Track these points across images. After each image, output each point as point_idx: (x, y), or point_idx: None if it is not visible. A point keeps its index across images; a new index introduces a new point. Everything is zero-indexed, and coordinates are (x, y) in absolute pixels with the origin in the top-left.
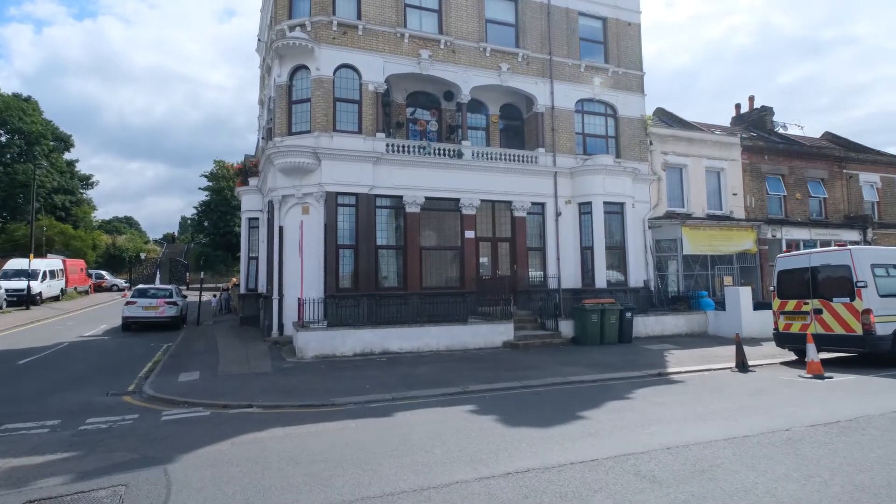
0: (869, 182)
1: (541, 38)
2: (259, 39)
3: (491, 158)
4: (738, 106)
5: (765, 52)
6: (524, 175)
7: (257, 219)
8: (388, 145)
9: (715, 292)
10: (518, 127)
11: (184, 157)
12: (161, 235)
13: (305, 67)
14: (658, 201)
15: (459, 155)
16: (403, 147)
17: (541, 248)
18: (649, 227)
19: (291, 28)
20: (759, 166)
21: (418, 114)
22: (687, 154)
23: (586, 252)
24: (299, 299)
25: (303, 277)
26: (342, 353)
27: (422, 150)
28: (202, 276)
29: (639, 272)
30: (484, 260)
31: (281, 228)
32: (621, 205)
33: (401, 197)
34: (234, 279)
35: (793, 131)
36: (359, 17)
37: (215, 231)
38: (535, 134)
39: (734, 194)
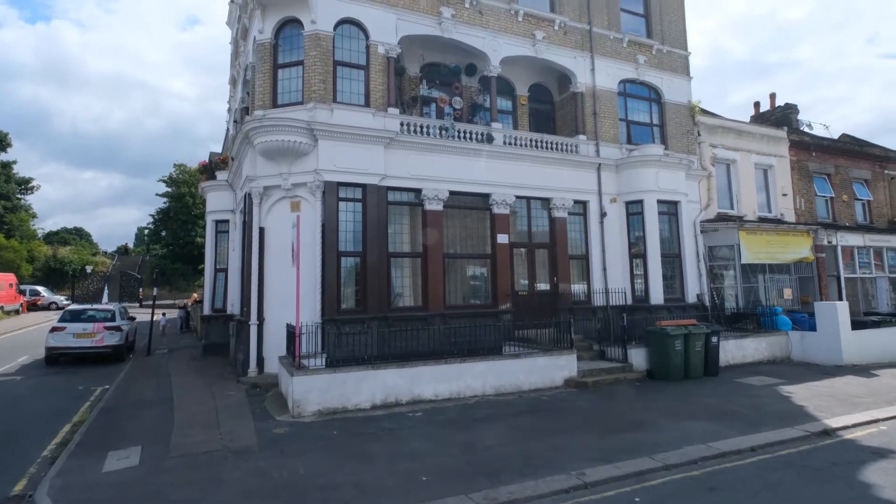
0: None
1: (578, 4)
2: (231, 1)
3: (526, 145)
4: (756, 104)
5: (717, 72)
6: (564, 167)
7: (227, 221)
8: (402, 124)
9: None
10: (547, 112)
11: (141, 167)
12: (114, 248)
13: (296, 21)
14: (709, 201)
15: (490, 139)
16: (422, 127)
17: (583, 256)
18: (701, 232)
19: None
20: (806, 164)
21: (436, 91)
22: (735, 148)
23: (636, 261)
24: (290, 326)
25: (298, 295)
26: (357, 406)
27: (444, 131)
28: (155, 292)
29: (694, 285)
30: (519, 270)
31: (261, 231)
32: (675, 204)
33: (419, 190)
34: (195, 295)
35: (818, 131)
36: None
37: (174, 241)
38: (571, 119)
39: (784, 195)
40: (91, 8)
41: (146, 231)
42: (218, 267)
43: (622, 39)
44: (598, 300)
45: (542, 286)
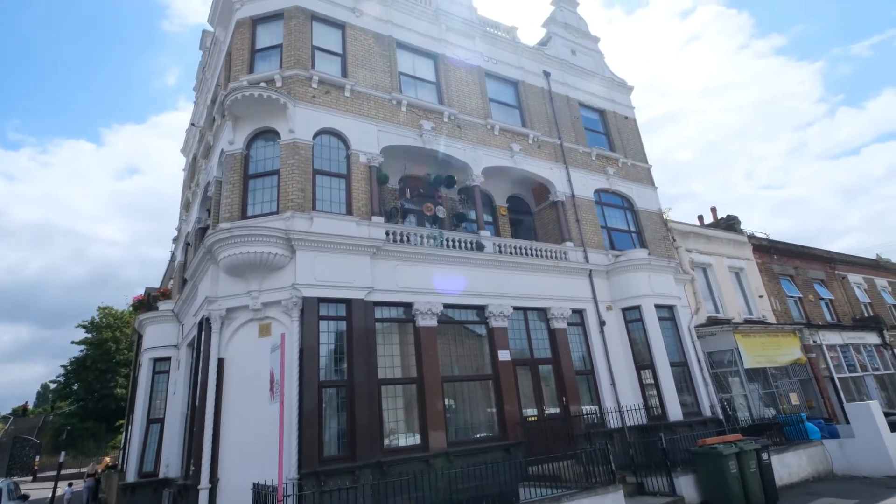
0: (856, 283)
1: (547, 122)
2: (192, 124)
3: (516, 252)
4: (700, 217)
5: None
6: (558, 274)
7: (167, 359)
8: (388, 233)
9: (784, 413)
10: (526, 222)
11: (54, 318)
12: (10, 410)
13: (271, 132)
14: (698, 305)
15: (480, 247)
16: (408, 236)
17: (589, 372)
18: (698, 337)
19: (254, 83)
20: (770, 266)
21: (416, 202)
22: (708, 252)
23: (643, 372)
24: (261, 488)
25: (282, 442)
26: None
27: (432, 240)
28: (62, 457)
29: (704, 396)
30: (525, 391)
31: (220, 362)
32: (671, 308)
33: (410, 305)
34: (107, 459)
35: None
36: (344, 75)
37: (88, 395)
38: (553, 228)
39: (760, 296)
40: (25, 161)
41: (53, 386)
42: (151, 417)
43: (591, 153)
44: (612, 421)
45: (551, 409)
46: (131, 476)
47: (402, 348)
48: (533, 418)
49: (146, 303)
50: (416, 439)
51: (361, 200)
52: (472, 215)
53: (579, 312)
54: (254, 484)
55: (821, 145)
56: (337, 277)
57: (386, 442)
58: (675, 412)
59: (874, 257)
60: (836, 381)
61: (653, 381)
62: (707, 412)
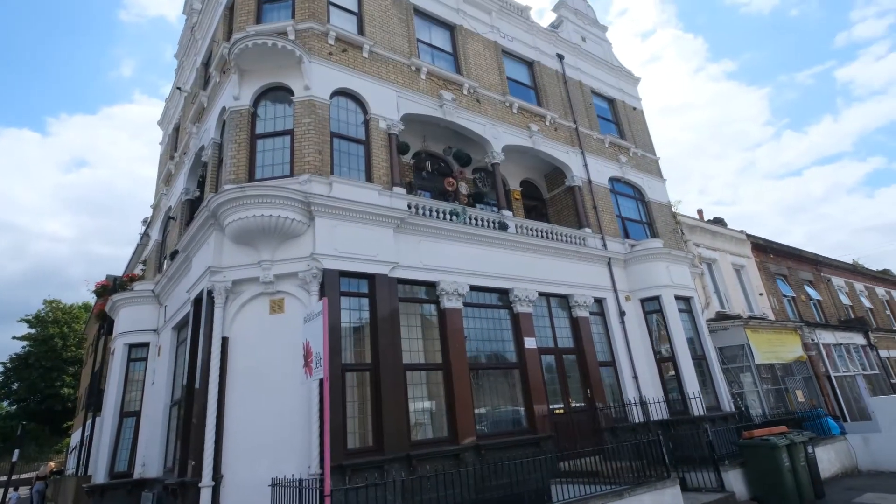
0: (839, 286)
1: (562, 105)
2: (179, 88)
3: (538, 235)
4: (700, 212)
5: None
6: (578, 261)
7: (146, 345)
8: (410, 206)
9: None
10: (538, 208)
11: None
12: None
13: (282, 89)
14: (707, 300)
15: (503, 227)
16: (431, 210)
17: (610, 363)
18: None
19: (263, 35)
20: (767, 265)
21: (431, 179)
22: (713, 248)
23: (663, 366)
24: (281, 483)
25: (326, 425)
26: None
27: (454, 216)
28: (16, 456)
29: (723, 390)
30: (549, 382)
31: (224, 342)
32: (688, 301)
33: (433, 284)
34: (52, 464)
35: None
36: (360, 32)
37: (30, 395)
38: (568, 214)
39: (760, 294)
40: None
41: None
42: (125, 411)
43: (604, 140)
44: (634, 415)
45: (576, 402)
46: (101, 477)
47: (424, 331)
48: (560, 411)
49: (111, 289)
50: (444, 431)
51: (382, 169)
52: (490, 196)
53: (599, 302)
54: (273, 479)
55: (767, 166)
56: (359, 250)
57: (412, 433)
58: (697, 406)
59: (851, 262)
60: (833, 379)
61: (674, 375)
62: (727, 407)
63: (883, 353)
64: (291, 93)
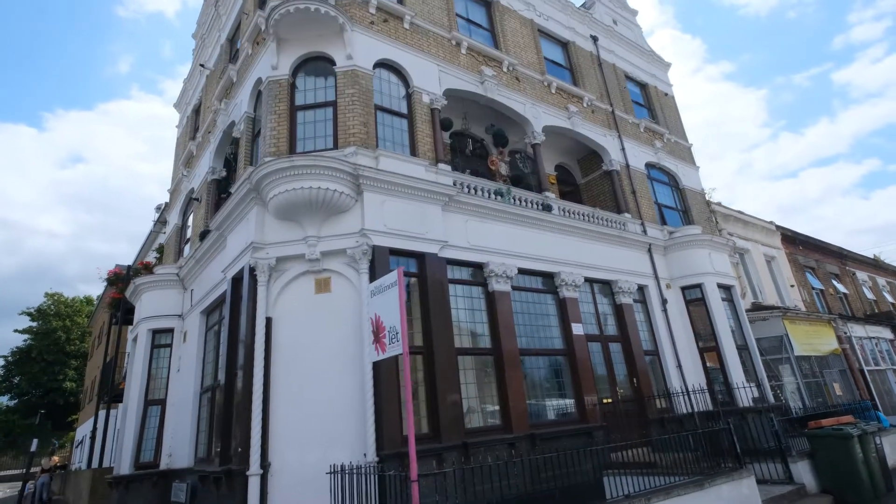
0: (862, 280)
1: (598, 88)
2: (202, 66)
3: (581, 218)
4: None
5: None
6: (621, 246)
7: (170, 330)
8: (455, 183)
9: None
10: (573, 194)
11: None
12: None
13: (322, 59)
14: (744, 290)
15: (547, 208)
16: (476, 189)
17: (653, 352)
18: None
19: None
20: (796, 257)
21: (469, 160)
22: (746, 237)
23: (706, 355)
24: (342, 470)
25: (410, 403)
26: None
27: (498, 195)
28: (34, 448)
29: (765, 381)
30: (597, 370)
31: (268, 323)
32: (729, 289)
33: (481, 266)
34: (56, 458)
35: None
36: (400, 2)
37: (32, 389)
38: (604, 199)
39: (791, 286)
40: None
41: None
42: (149, 399)
43: (639, 125)
44: (681, 406)
45: (623, 391)
46: (125, 468)
47: (471, 315)
48: (607, 400)
49: (126, 276)
50: (496, 419)
51: (426, 145)
52: (527, 178)
53: (641, 289)
54: (331, 466)
55: (764, 167)
56: (408, 227)
57: (465, 422)
58: (743, 397)
59: (872, 257)
60: (867, 373)
61: (718, 365)
62: (770, 398)
63: None
64: (333, 63)
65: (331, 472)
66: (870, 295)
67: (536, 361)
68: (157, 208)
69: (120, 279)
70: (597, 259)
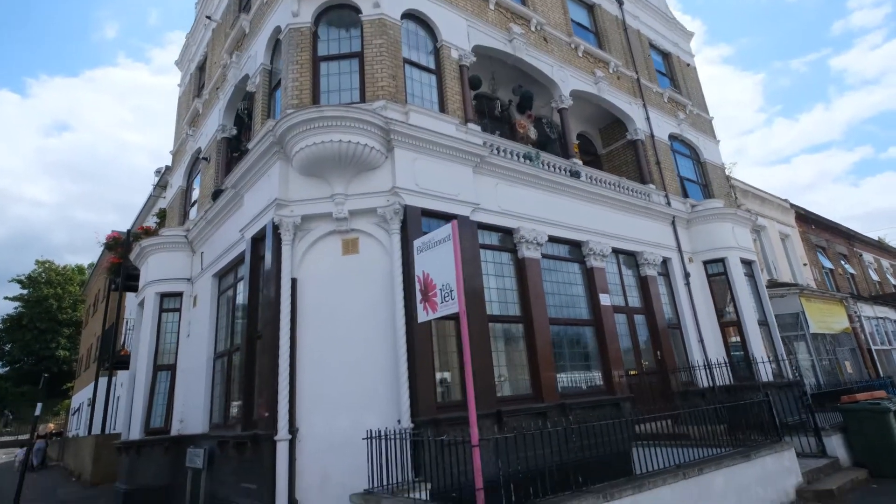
0: (868, 262)
1: (623, 53)
2: (208, 17)
3: (609, 186)
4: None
5: None
6: (645, 217)
7: (179, 294)
8: (485, 144)
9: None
10: (594, 164)
11: None
12: None
13: (347, 6)
14: (762, 267)
15: (576, 174)
16: (506, 151)
17: (675, 326)
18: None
19: None
20: (808, 236)
21: (493, 125)
22: (762, 214)
23: (727, 330)
24: (377, 435)
25: (469, 361)
26: None
27: (527, 159)
28: (38, 412)
29: (784, 358)
30: (622, 342)
31: (294, 284)
32: (750, 264)
33: (511, 231)
34: (51, 425)
35: None
36: None
37: (24, 356)
38: (626, 169)
39: (804, 265)
40: None
41: None
42: (158, 364)
43: (663, 94)
44: (703, 379)
45: (648, 364)
46: (136, 433)
47: (500, 281)
48: (633, 372)
49: (126, 240)
50: (527, 388)
51: (456, 103)
52: (552, 145)
53: (665, 262)
54: (368, 431)
55: (758, 152)
56: (440, 187)
57: (496, 390)
58: (765, 372)
59: (877, 239)
60: (875, 353)
61: (738, 340)
62: (789, 374)
63: None
64: (358, 11)
65: (367, 438)
66: (875, 276)
67: (565, 331)
68: (157, 172)
69: (119, 244)
70: (623, 230)
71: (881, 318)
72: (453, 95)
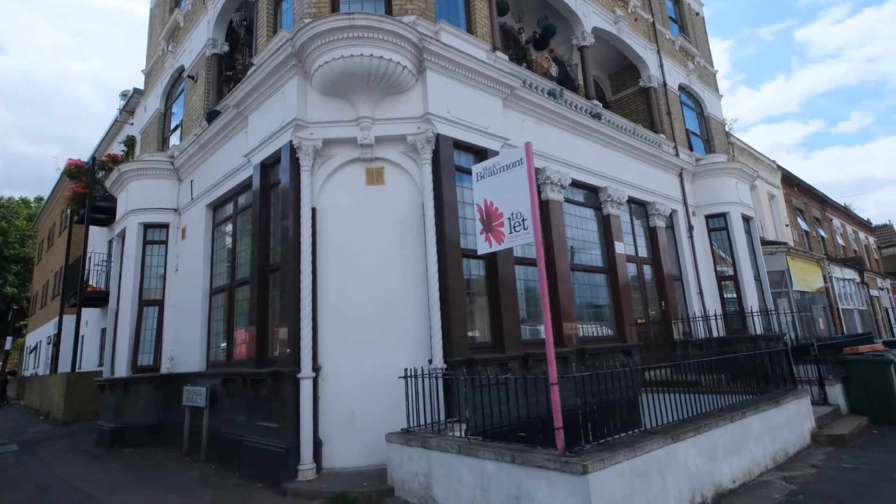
0: (836, 227)
1: None
2: None
3: (626, 132)
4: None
5: None
6: (656, 167)
7: (165, 226)
8: (513, 75)
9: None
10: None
11: None
12: None
13: None
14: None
15: (597, 116)
16: (533, 85)
17: (677, 278)
18: None
19: None
20: (791, 198)
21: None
22: (754, 174)
23: (724, 284)
24: (414, 373)
25: (546, 301)
26: None
27: (551, 96)
28: (8, 346)
29: (774, 313)
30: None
31: (314, 214)
32: (748, 221)
33: (538, 171)
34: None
35: None
36: None
37: None
38: (636, 118)
39: (786, 225)
40: None
41: None
42: (145, 299)
43: (675, 42)
44: (700, 330)
45: (653, 312)
46: (122, 370)
47: None
48: (641, 321)
49: (90, 169)
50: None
51: (484, 27)
52: (569, 85)
53: (671, 214)
54: (406, 370)
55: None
56: (471, 118)
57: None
58: (756, 325)
59: (843, 205)
60: (841, 311)
61: (734, 295)
62: (776, 328)
63: (873, 293)
64: None
65: (405, 377)
66: (840, 241)
67: (582, 277)
68: (123, 95)
69: (82, 171)
70: (637, 178)
71: (848, 279)
72: (481, 18)
